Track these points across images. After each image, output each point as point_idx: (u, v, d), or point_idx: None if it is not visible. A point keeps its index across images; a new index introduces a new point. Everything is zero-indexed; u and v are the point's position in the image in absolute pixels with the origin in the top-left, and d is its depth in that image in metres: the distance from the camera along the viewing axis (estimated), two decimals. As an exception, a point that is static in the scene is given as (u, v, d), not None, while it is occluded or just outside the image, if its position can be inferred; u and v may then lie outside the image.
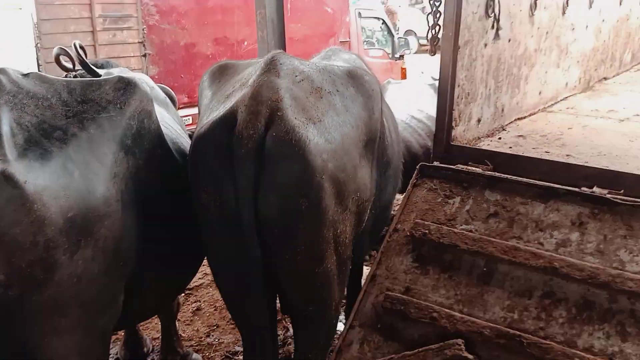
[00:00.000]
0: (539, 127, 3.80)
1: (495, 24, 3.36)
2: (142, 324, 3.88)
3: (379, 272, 2.71)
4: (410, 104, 4.90)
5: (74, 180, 1.90)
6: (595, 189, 2.51)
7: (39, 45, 7.09)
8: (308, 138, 2.06)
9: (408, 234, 2.73)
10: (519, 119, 3.97)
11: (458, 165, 2.95)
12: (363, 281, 3.28)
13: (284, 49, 4.06)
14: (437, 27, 3.20)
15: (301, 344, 2.53)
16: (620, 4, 5.65)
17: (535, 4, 3.80)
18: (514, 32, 3.63)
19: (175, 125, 2.97)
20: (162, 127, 2.44)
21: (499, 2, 3.28)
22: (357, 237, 2.48)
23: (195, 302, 4.38)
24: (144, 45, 7.15)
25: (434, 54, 3.35)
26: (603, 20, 5.25)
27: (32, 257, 1.77)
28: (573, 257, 2.35)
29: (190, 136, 3.14)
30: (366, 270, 3.92)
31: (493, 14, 3.31)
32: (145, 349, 3.74)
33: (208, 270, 3.67)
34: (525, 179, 2.68)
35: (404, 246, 2.74)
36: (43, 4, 6.64)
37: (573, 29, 4.58)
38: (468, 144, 3.29)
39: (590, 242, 2.39)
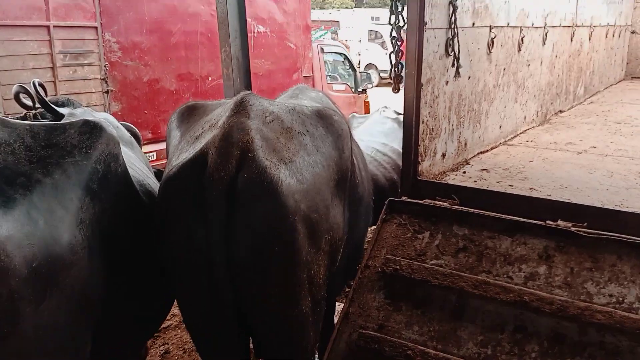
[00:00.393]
0: (501, 160, 3.91)
1: (455, 62, 3.47)
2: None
3: (351, 309, 2.69)
4: (375, 137, 4.97)
5: (38, 229, 1.84)
6: (559, 222, 2.58)
7: (-4, 82, 6.94)
8: (280, 179, 2.06)
9: (379, 270, 2.74)
10: (481, 152, 4.07)
11: (426, 200, 2.99)
12: (336, 319, 3.26)
13: (250, 86, 4.09)
14: (399, 66, 3.28)
15: (276, 388, 2.47)
16: (572, 40, 5.93)
17: (492, 42, 3.95)
18: (473, 69, 3.76)
19: (142, 166, 2.93)
20: (129, 169, 2.40)
21: (458, 41, 3.39)
22: (330, 276, 2.47)
23: (163, 345, 4.24)
24: (106, 82, 7.07)
25: (398, 91, 3.42)
26: (556, 56, 5.50)
27: (-6, 310, 1.69)
28: (542, 291, 2.39)
29: (156, 174, 3.10)
30: (338, 307, 3.90)
31: (453, 53, 3.42)
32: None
33: (176, 311, 3.58)
34: (491, 213, 2.73)
35: (375, 282, 2.74)
36: (1, 40, 6.52)
37: (529, 64, 4.78)
38: (434, 179, 3.35)
39: (558, 275, 2.44)
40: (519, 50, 4.52)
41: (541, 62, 5.12)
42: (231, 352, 2.24)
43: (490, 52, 3.97)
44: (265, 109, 2.31)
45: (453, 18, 3.31)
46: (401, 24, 3.13)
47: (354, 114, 6.09)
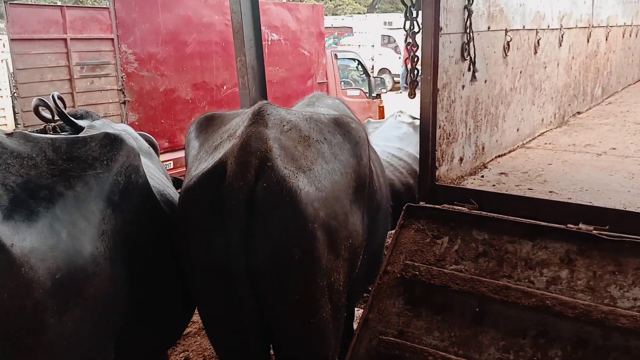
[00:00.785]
0: (519, 163, 3.88)
1: (471, 66, 3.45)
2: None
3: (371, 315, 2.68)
4: (391, 142, 4.96)
5: (61, 241, 1.86)
6: (581, 225, 2.55)
7: (16, 94, 7.06)
8: (299, 187, 2.07)
9: (398, 275, 2.73)
10: (499, 156, 4.04)
11: (444, 205, 2.98)
12: (355, 324, 3.25)
13: (265, 94, 4.11)
14: (416, 71, 3.28)
15: (297, 396, 2.47)
16: (588, 41, 5.87)
17: (508, 45, 3.92)
18: (489, 73, 3.74)
19: (161, 175, 2.96)
20: (149, 180, 2.43)
21: (473, 45, 3.38)
22: (350, 283, 2.47)
23: (183, 352, 4.26)
24: (123, 93, 7.17)
25: (414, 97, 3.42)
26: (573, 57, 5.44)
27: (19, 321, 1.72)
28: (564, 295, 2.37)
29: (174, 181, 3.13)
30: (358, 313, 3.89)
31: (469, 57, 3.41)
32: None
33: (195, 318, 3.59)
34: (511, 217, 2.71)
35: (394, 288, 2.73)
36: (19, 53, 6.65)
37: (545, 67, 4.74)
38: (452, 184, 3.33)
39: (580, 279, 2.41)
40: (535, 52, 4.49)
41: (558, 64, 5.08)
42: (252, 359, 2.25)
43: (507, 55, 3.95)
44: (283, 118, 2.33)
45: (468, 22, 3.30)
46: (416, 29, 3.12)
47: (369, 119, 6.09)
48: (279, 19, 8.75)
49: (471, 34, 3.32)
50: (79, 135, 2.29)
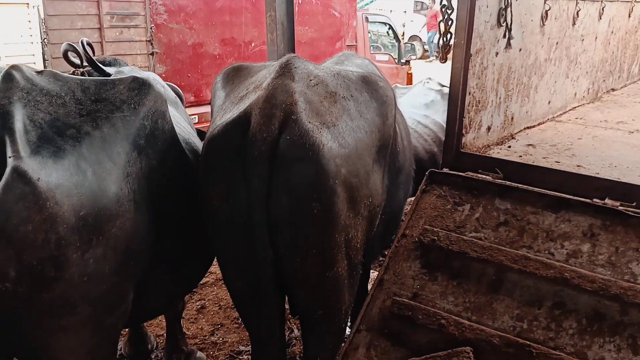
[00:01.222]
0: (548, 136, 3.80)
1: (506, 33, 3.36)
2: (145, 322, 3.87)
3: (386, 277, 2.70)
4: (417, 109, 4.89)
5: (86, 179, 1.90)
6: (607, 200, 2.50)
7: (46, 40, 7.10)
8: (322, 142, 2.05)
9: (416, 239, 2.72)
10: (528, 127, 3.97)
11: (468, 172, 2.94)
12: (370, 285, 3.28)
13: (293, 52, 4.06)
14: (449, 35, 3.20)
15: (309, 347, 2.52)
16: (630, 16, 5.65)
17: (547, 14, 3.80)
18: (524, 41, 3.63)
19: (186, 125, 2.97)
20: (175, 127, 2.44)
21: (511, 11, 3.27)
22: (367, 242, 2.47)
23: (199, 300, 4.36)
24: (151, 44, 7.15)
25: (445, 62, 3.34)
26: (612, 32, 5.26)
27: (43, 254, 1.77)
28: (584, 269, 2.34)
29: (198, 133, 3.14)
30: (373, 274, 3.92)
31: (505, 24, 3.31)
32: (149, 346, 3.73)
33: (212, 269, 3.66)
34: (536, 189, 2.67)
35: (412, 252, 2.73)
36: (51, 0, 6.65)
37: (583, 39, 4.59)
38: (478, 152, 3.28)
39: (602, 254, 2.38)
40: (574, 24, 4.34)
41: (596, 38, 4.90)
42: (267, 310, 2.28)
43: (544, 24, 3.82)
44: (310, 72, 2.30)
45: (507, -13, 3.19)
46: (453, -10, 3.03)
47: (397, 84, 5.99)
48: (311, -23, 8.59)
49: (509, -1, 3.22)
50: (107, 78, 2.31)
